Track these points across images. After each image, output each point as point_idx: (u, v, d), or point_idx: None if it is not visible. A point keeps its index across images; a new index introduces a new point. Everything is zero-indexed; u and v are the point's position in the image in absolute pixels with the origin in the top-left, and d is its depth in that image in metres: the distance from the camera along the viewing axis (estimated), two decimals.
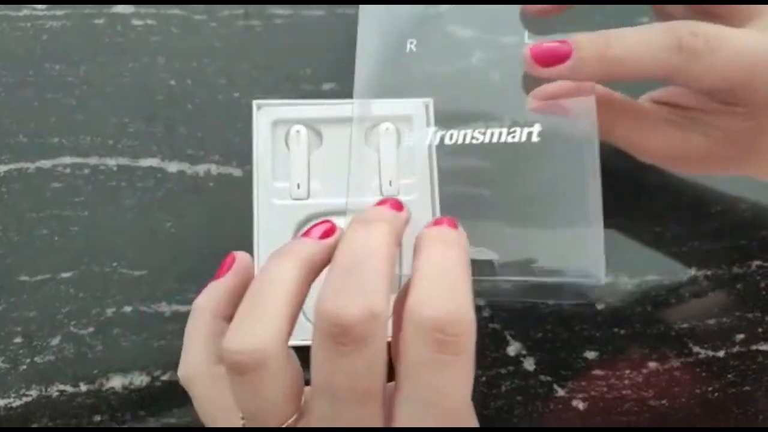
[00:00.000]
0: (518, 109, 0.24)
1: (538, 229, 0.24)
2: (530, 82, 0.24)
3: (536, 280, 0.23)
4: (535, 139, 0.23)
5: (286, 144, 0.34)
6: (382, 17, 0.25)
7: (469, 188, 0.24)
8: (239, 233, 0.36)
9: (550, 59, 0.23)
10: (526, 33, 0.25)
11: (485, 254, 0.23)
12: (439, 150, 0.25)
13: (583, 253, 0.23)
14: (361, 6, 0.27)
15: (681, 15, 0.30)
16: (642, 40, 0.25)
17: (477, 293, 0.23)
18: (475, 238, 0.21)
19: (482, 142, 0.23)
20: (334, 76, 0.39)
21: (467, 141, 0.24)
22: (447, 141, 0.24)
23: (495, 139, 0.23)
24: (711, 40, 0.25)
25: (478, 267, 0.23)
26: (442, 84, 0.25)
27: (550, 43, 0.24)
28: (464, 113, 0.24)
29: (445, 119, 0.24)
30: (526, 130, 0.23)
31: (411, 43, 0.25)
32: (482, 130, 0.23)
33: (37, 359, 0.35)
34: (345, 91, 0.39)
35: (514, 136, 0.23)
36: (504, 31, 0.25)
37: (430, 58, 0.25)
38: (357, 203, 0.32)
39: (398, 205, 0.22)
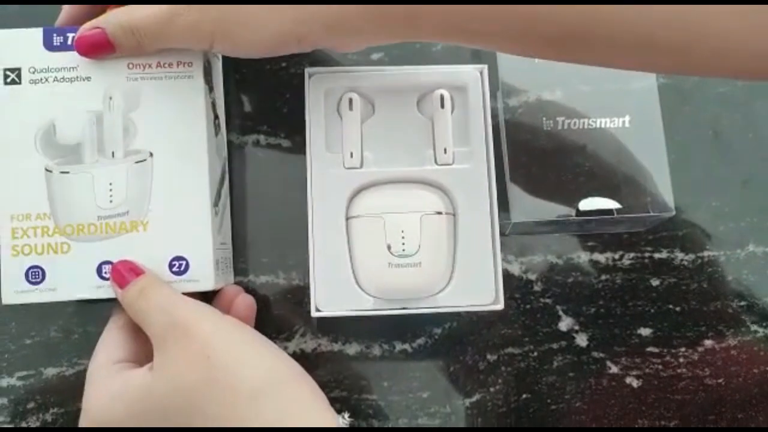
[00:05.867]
0: (615, 105, 0.36)
1: (633, 180, 0.35)
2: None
3: (636, 216, 0.34)
4: (627, 125, 0.35)
5: (338, 112, 0.34)
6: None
7: (585, 155, 0.35)
8: (289, 203, 0.35)
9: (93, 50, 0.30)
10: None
11: (610, 204, 0.34)
12: (563, 132, 0.35)
13: (658, 194, 0.35)
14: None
15: None
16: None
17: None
18: (598, 193, 0.34)
19: (595, 127, 0.35)
20: (382, 47, 0.38)
21: (587, 126, 0.35)
22: (573, 127, 0.35)
23: (602, 126, 0.36)
24: None
25: (601, 213, 0.34)
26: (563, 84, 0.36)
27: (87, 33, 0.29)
28: (582, 108, 0.36)
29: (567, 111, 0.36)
30: (621, 119, 0.35)
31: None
32: (594, 119, 0.35)
33: (89, 328, 0.35)
34: (394, 62, 0.38)
35: (614, 123, 0.35)
36: None
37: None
38: (412, 173, 0.32)
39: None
